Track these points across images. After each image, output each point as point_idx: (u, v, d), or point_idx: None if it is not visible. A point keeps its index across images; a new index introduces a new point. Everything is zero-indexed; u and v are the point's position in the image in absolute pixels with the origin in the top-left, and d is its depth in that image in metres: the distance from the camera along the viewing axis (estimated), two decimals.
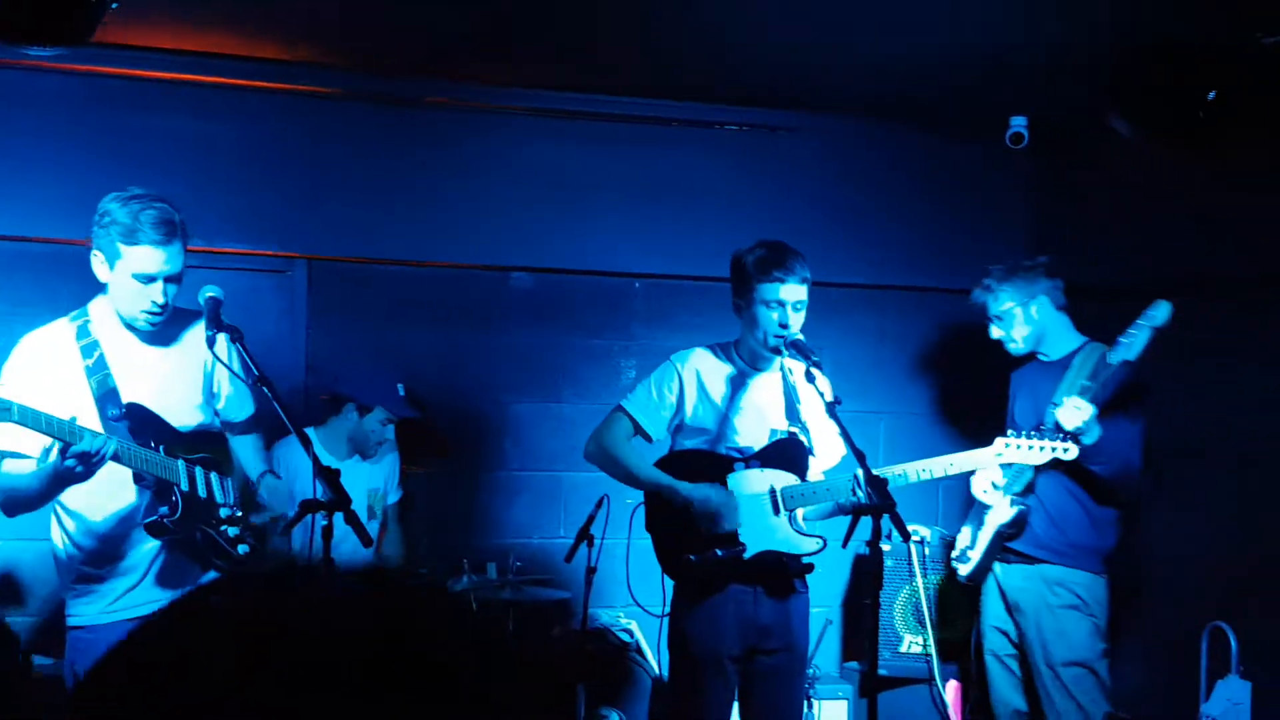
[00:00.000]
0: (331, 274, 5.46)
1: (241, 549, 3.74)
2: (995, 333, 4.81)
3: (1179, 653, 4.90)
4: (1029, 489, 4.61)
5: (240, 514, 3.78)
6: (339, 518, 3.37)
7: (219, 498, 3.75)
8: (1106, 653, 4.62)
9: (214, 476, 3.76)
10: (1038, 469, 4.52)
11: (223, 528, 3.72)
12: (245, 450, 3.99)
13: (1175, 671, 4.95)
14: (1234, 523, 4.84)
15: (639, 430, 4.12)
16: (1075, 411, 4.29)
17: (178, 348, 3.79)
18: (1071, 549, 4.62)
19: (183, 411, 3.75)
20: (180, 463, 3.65)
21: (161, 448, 3.61)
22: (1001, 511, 4.67)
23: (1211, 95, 4.43)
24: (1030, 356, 4.84)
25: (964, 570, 4.88)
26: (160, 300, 3.60)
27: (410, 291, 5.55)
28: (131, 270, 3.54)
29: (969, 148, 6.00)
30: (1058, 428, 4.33)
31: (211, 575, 3.74)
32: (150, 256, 3.55)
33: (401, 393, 4.92)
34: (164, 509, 3.57)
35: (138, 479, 3.58)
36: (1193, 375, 4.89)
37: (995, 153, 5.80)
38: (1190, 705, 4.75)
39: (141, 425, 3.60)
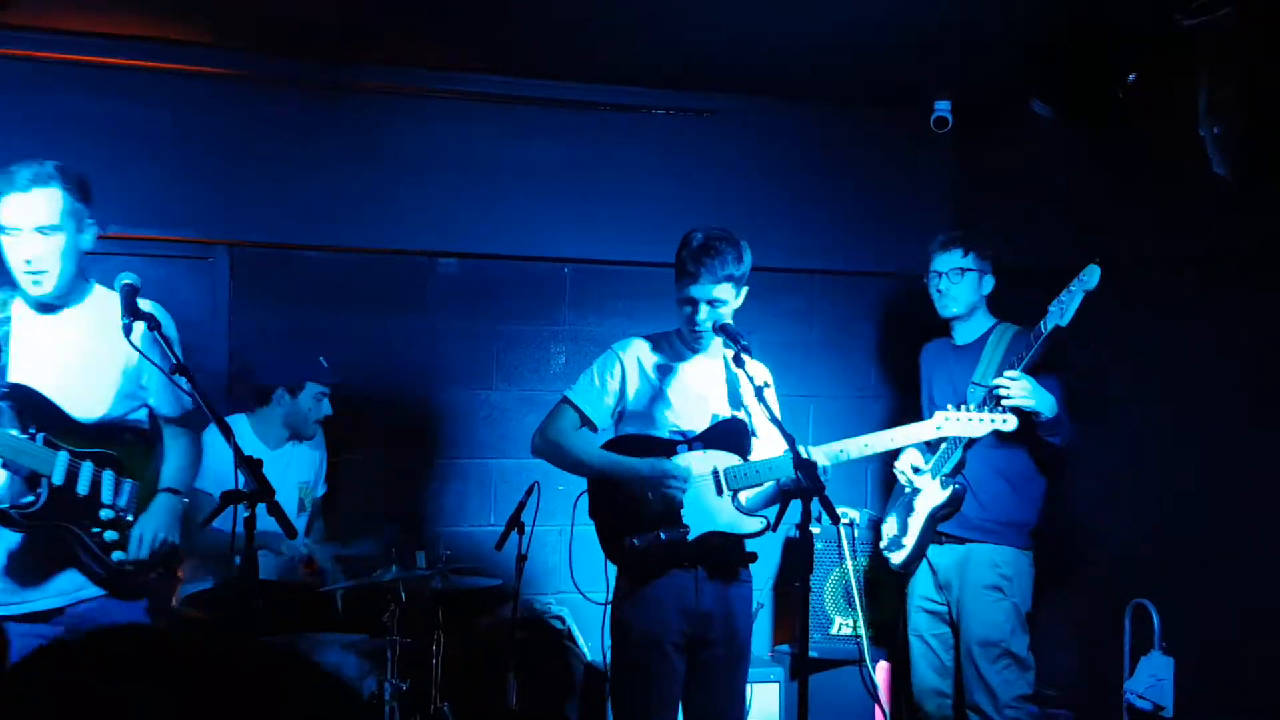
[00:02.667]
0: (254, 260, 5.36)
1: (116, 555, 3.57)
2: (936, 289, 4.82)
3: (1102, 630, 4.95)
4: (959, 468, 4.65)
5: (131, 518, 3.62)
6: (262, 509, 3.30)
7: (105, 498, 3.59)
8: (1026, 631, 4.68)
9: (107, 475, 3.59)
10: (966, 448, 4.57)
11: (95, 529, 3.56)
12: (174, 449, 3.87)
13: (1099, 648, 5.00)
14: (1154, 500, 4.90)
15: (585, 420, 4.10)
16: (1013, 384, 4.37)
17: (86, 328, 3.66)
18: (1000, 526, 4.70)
19: (90, 400, 3.62)
20: (61, 455, 3.48)
21: (41, 436, 3.47)
22: (933, 493, 4.70)
23: (1131, 78, 4.47)
24: (942, 333, 4.96)
25: (898, 558, 4.88)
26: (31, 255, 3.47)
27: (335, 278, 5.47)
28: (1, 223, 3.45)
29: (894, 131, 6.01)
30: (998, 402, 4.42)
31: (81, 580, 3.60)
32: (15, 204, 3.45)
33: (324, 364, 4.88)
34: (27, 499, 3.45)
35: (7, 464, 3.45)
36: (1113, 351, 4.94)
37: (920, 136, 5.83)
38: (1114, 682, 4.81)
39: (26, 408, 3.45)
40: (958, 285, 4.77)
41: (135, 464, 3.70)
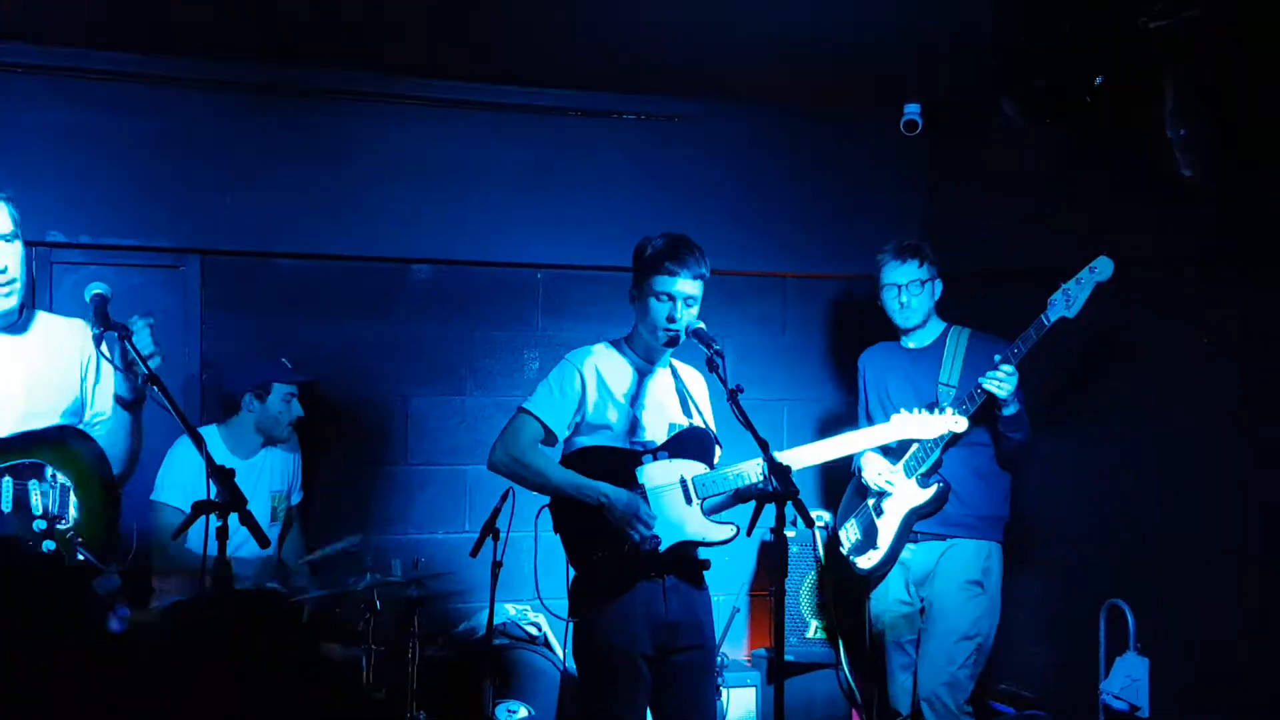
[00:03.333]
0: (225, 268, 5.33)
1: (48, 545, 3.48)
2: (897, 302, 4.81)
3: (1077, 630, 4.97)
4: (936, 467, 4.67)
5: (67, 525, 3.51)
6: (234, 519, 3.28)
7: (34, 509, 3.48)
8: (994, 626, 4.75)
9: (32, 485, 3.49)
10: (945, 448, 4.60)
11: (31, 543, 3.47)
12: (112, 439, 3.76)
13: (1074, 648, 5.02)
14: (1129, 497, 4.92)
15: (547, 432, 4.04)
16: (1007, 378, 4.43)
17: (32, 342, 3.62)
18: (979, 521, 4.74)
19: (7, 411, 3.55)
20: None
21: None
22: (911, 494, 4.70)
23: (1098, 81, 4.49)
24: (881, 337, 5.02)
25: (868, 562, 4.85)
26: (5, 263, 3.43)
27: (308, 285, 5.44)
28: None
29: (865, 134, 6.01)
30: (974, 399, 4.47)
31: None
32: None
33: (288, 365, 4.87)
34: None
35: None
36: (1085, 347, 4.96)
37: (892, 139, 5.84)
38: (1090, 682, 4.83)
39: None
40: (918, 296, 4.80)
41: (71, 464, 3.58)
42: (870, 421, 4.92)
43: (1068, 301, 4.40)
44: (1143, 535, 4.85)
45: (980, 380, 4.49)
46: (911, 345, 4.90)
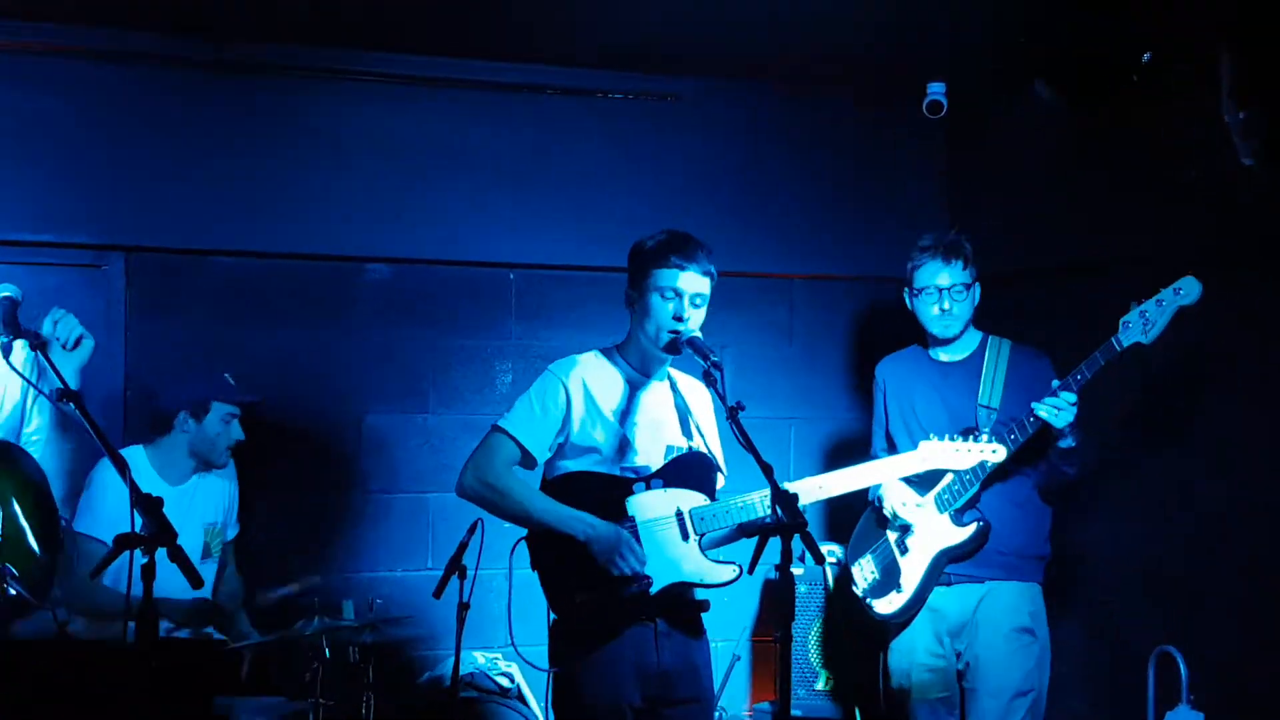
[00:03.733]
0: (154, 268, 5.29)
1: None
2: (936, 308, 4.69)
3: (1124, 680, 4.95)
4: (973, 503, 4.60)
5: None
6: (162, 554, 3.25)
7: None
8: (1047, 677, 4.68)
9: None
10: (984, 482, 4.54)
11: None
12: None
13: (1119, 701, 5.00)
14: (1181, 535, 4.90)
15: (525, 454, 4.01)
16: (1067, 408, 4.35)
17: None
18: (1022, 561, 4.67)
19: None
20: None
21: None
22: (944, 532, 4.60)
23: (1146, 57, 4.49)
24: (899, 345, 4.96)
25: (889, 606, 4.74)
26: None
27: (248, 287, 5.41)
28: None
29: (883, 118, 6.02)
30: (1022, 426, 4.40)
31: None
32: None
33: (231, 382, 4.84)
34: None
35: None
36: (1138, 370, 4.92)
37: (912, 123, 5.83)
38: None
39: None
40: (961, 302, 4.69)
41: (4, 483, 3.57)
42: (890, 444, 4.86)
43: (1145, 325, 4.28)
44: (1196, 575, 4.82)
45: (1034, 406, 4.39)
46: (944, 357, 4.81)
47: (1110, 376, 4.41)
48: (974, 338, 4.81)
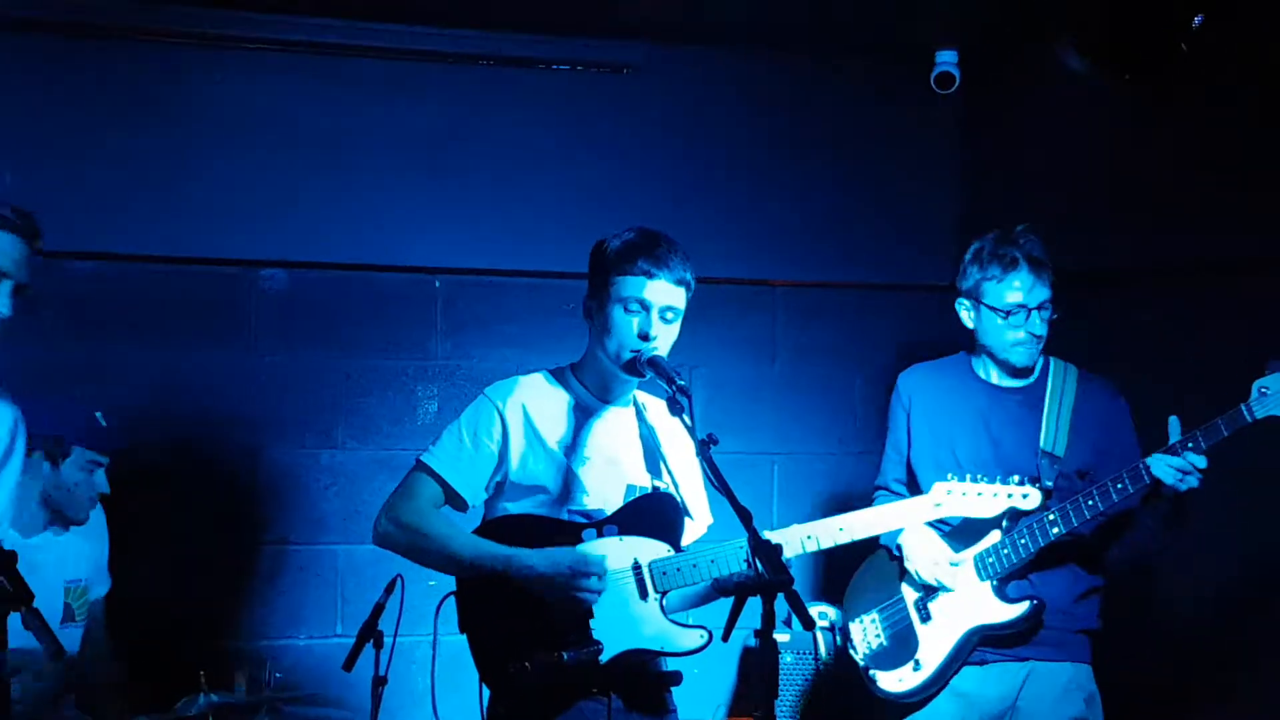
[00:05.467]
0: None
1: None
2: (1023, 333, 4.53)
3: None
4: (1023, 571, 4.48)
5: None
6: (15, 619, 3.24)
7: None
8: None
9: None
10: (1045, 543, 4.40)
11: None
12: None
13: None
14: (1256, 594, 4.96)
15: (450, 495, 4.02)
16: (1195, 472, 4.17)
17: None
18: (1077, 638, 4.59)
19: None
20: None
21: None
22: (983, 604, 4.51)
23: (1198, 20, 4.55)
24: (928, 354, 4.86)
25: (901, 685, 4.63)
26: None
27: (116, 296, 5.43)
28: None
29: (884, 92, 6.08)
30: (1145, 478, 4.23)
31: None
32: None
33: (102, 423, 4.81)
34: None
35: None
36: (1164, 383, 4.97)
37: (919, 98, 5.89)
38: None
39: None
40: (1046, 324, 4.55)
41: None
42: (911, 479, 4.76)
43: None
44: (1231, 644, 4.88)
45: (1152, 462, 4.22)
46: (996, 379, 4.68)
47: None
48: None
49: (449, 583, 4.03)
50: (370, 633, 4.43)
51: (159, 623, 5.21)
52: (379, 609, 4.44)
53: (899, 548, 4.68)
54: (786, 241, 6.05)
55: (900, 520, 4.32)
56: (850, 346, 6.20)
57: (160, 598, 5.31)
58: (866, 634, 4.78)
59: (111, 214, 5.39)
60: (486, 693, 3.96)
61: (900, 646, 4.68)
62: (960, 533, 4.56)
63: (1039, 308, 4.51)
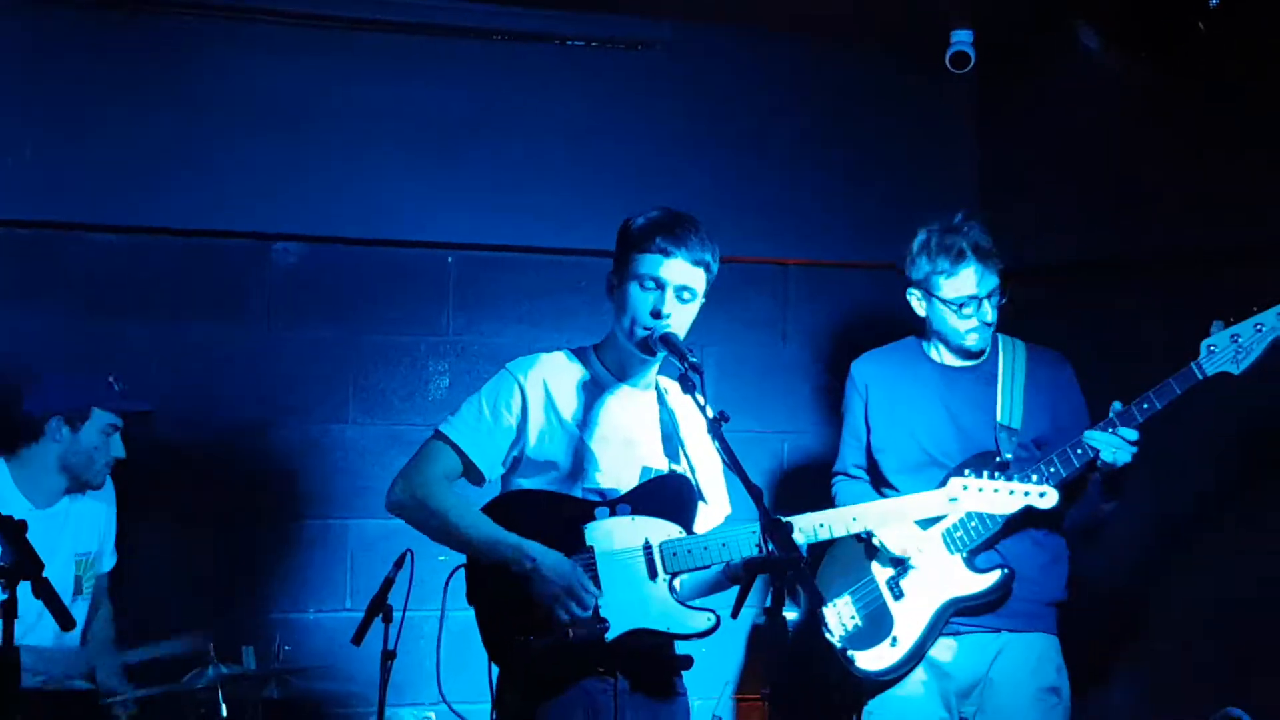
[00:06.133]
0: (15, 245, 5.30)
1: None
2: (973, 320, 4.65)
3: None
4: (991, 543, 4.57)
5: None
6: (25, 589, 3.26)
7: None
8: None
9: None
10: (1008, 518, 4.48)
11: None
12: None
13: None
14: (1246, 576, 4.95)
15: (467, 467, 4.02)
16: (1125, 446, 4.28)
17: None
18: (1043, 609, 4.67)
19: None
20: None
21: None
22: (955, 577, 4.59)
23: (1214, 1, 4.53)
24: (877, 344, 4.98)
25: (879, 662, 4.69)
26: None
27: (130, 270, 5.42)
28: None
29: (898, 72, 6.06)
30: (1067, 459, 4.34)
31: None
32: None
33: (116, 387, 4.83)
34: None
35: None
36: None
37: (933, 79, 5.87)
38: None
39: None
40: (994, 311, 4.66)
41: None
42: (871, 466, 4.84)
43: (1237, 352, 4.22)
44: (1263, 620, 4.87)
45: (1088, 436, 4.35)
46: (948, 359, 4.80)
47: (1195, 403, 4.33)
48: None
49: (458, 558, 4.04)
50: (379, 607, 4.45)
51: (169, 595, 5.22)
52: (388, 583, 4.45)
53: (867, 530, 4.63)
54: (799, 220, 6.05)
55: (915, 513, 4.35)
56: (862, 326, 6.17)
57: (170, 571, 5.33)
58: (841, 616, 4.82)
59: (126, 186, 5.38)
60: (495, 670, 3.98)
61: (875, 625, 4.74)
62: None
63: (989, 296, 4.63)
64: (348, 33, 5.58)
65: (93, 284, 5.40)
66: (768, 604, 3.48)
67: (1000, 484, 4.28)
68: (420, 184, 5.66)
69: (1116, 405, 4.36)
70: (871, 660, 4.71)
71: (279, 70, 5.52)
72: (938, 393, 4.76)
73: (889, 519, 4.32)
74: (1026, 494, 4.30)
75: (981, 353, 4.74)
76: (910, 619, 4.67)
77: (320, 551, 5.60)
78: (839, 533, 4.06)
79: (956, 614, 4.63)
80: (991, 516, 4.50)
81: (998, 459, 4.49)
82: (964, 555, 4.59)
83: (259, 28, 5.51)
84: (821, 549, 4.91)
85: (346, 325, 5.67)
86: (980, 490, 4.28)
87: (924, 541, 4.60)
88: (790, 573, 3.45)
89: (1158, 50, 4.63)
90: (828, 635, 4.81)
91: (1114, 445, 4.32)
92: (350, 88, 5.60)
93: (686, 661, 4.06)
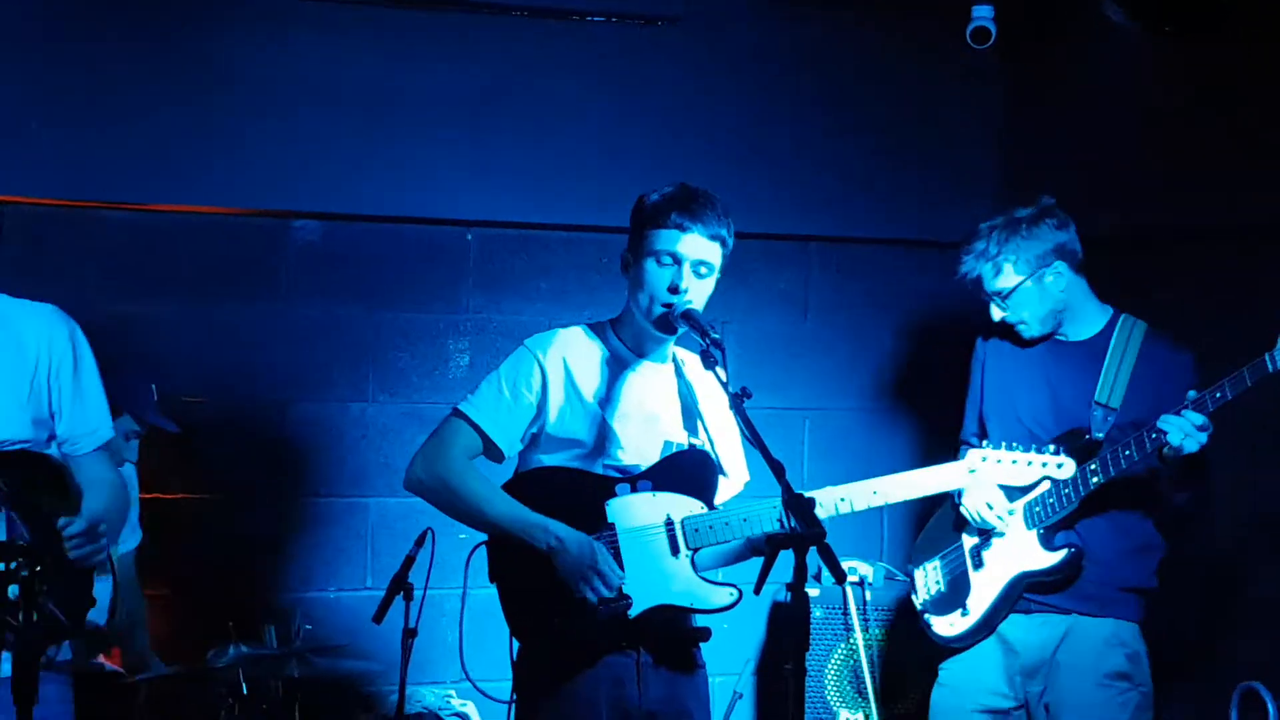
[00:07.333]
0: (31, 223, 5.27)
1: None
2: (998, 314, 4.71)
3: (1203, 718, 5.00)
4: (1068, 522, 4.53)
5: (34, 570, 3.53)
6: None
7: None
8: None
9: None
10: (1085, 494, 4.44)
11: None
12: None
13: None
14: (1273, 550, 4.93)
15: (487, 445, 4.02)
16: (1195, 432, 4.18)
17: None
18: (1118, 595, 4.60)
19: None
20: None
21: None
22: (1028, 551, 4.57)
23: None
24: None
25: (950, 627, 4.75)
26: None
27: (148, 248, 5.41)
28: None
29: (920, 48, 6.03)
30: (1140, 442, 4.27)
31: None
32: None
33: (154, 396, 4.82)
34: None
35: None
36: (1218, 351, 4.94)
37: (956, 54, 5.84)
38: None
39: None
40: (1020, 305, 4.65)
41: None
42: (983, 431, 4.83)
43: None
44: None
45: (1161, 422, 4.25)
46: (1066, 337, 4.74)
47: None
48: (1098, 316, 4.71)
49: (479, 536, 4.04)
50: (400, 585, 4.46)
51: (190, 574, 5.23)
52: (409, 562, 4.46)
53: (959, 495, 4.71)
54: (821, 197, 6.03)
55: (935, 485, 4.26)
56: (884, 303, 6.18)
57: (191, 549, 5.34)
58: (928, 580, 4.90)
59: (146, 165, 5.37)
60: (516, 646, 3.98)
61: (955, 592, 4.79)
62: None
63: (1001, 293, 4.66)
64: (366, 9, 5.56)
65: (112, 263, 5.39)
66: (789, 580, 3.48)
67: (1019, 454, 4.29)
68: (440, 161, 5.65)
69: (1191, 393, 4.23)
70: (945, 626, 4.79)
71: (298, 47, 5.51)
72: (1042, 364, 4.74)
73: (909, 492, 4.20)
74: (1044, 464, 4.30)
75: (1049, 334, 4.71)
76: (983, 589, 4.69)
77: (341, 530, 5.61)
78: (860, 506, 4.04)
79: (1029, 590, 4.61)
80: (1067, 494, 4.47)
81: (1087, 437, 4.46)
82: (1040, 531, 4.56)
83: (279, 4, 5.49)
84: (928, 512, 4.99)
85: (366, 303, 5.66)
86: (999, 462, 4.28)
87: (1003, 511, 4.59)
88: (813, 548, 3.45)
89: (1184, 22, 4.59)
90: (914, 598, 4.93)
91: (1183, 430, 4.21)
92: (369, 65, 5.58)
93: (705, 634, 4.07)
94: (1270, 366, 4.10)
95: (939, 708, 4.82)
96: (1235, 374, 4.16)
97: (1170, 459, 4.31)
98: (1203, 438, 4.22)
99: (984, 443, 4.39)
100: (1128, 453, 4.34)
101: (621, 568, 3.90)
